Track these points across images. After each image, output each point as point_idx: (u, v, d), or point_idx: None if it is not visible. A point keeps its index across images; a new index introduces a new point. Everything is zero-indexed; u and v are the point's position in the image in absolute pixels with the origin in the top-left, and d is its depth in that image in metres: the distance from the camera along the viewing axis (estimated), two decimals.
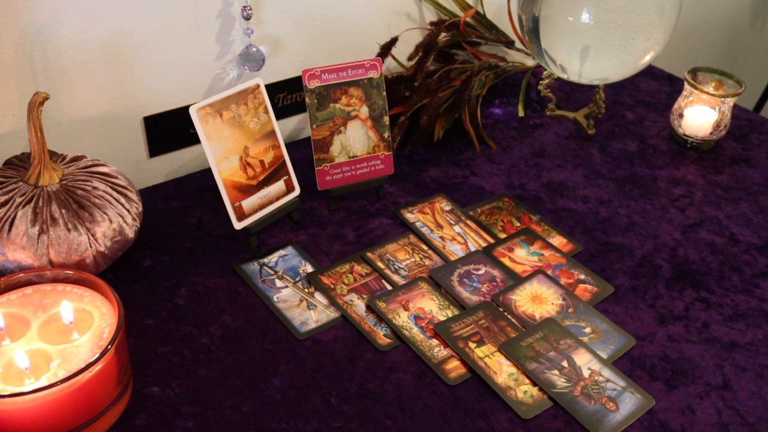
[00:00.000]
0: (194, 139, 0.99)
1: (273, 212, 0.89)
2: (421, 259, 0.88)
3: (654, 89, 1.28)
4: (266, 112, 0.88)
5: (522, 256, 0.90)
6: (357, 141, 0.94)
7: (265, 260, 0.86)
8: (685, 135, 1.12)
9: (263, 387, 0.72)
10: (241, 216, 0.85)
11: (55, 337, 0.65)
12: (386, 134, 0.96)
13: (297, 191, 0.92)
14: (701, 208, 1.00)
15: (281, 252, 0.88)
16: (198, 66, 0.95)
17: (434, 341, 0.77)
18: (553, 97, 1.19)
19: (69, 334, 0.66)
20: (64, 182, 0.78)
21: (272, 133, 0.89)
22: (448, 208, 0.97)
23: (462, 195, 1.00)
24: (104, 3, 0.85)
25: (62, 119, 0.89)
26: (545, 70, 1.15)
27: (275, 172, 0.89)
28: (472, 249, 0.90)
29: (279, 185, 0.90)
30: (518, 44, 1.19)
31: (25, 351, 0.64)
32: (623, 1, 0.97)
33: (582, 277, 0.87)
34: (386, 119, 0.95)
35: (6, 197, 0.75)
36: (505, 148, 1.10)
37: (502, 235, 0.93)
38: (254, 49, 0.96)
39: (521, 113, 1.18)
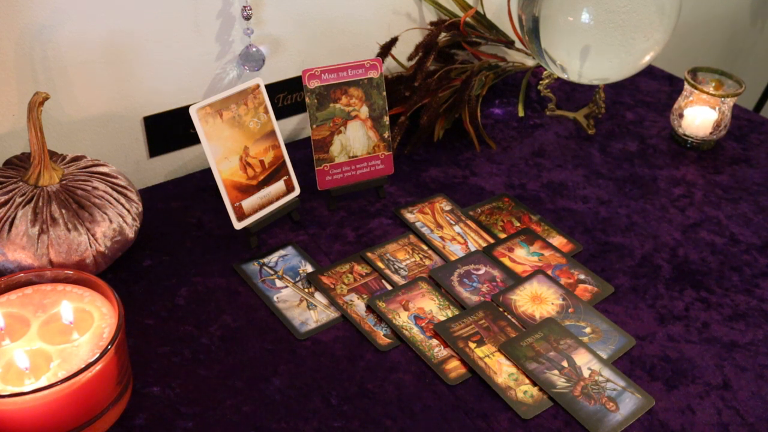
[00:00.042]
0: (194, 139, 0.99)
1: (273, 212, 0.89)
2: (421, 259, 0.88)
3: (654, 89, 1.28)
4: (266, 112, 0.88)
5: (522, 256, 0.90)
6: (357, 141, 0.94)
7: (265, 260, 0.86)
8: (685, 135, 1.12)
9: (263, 387, 0.72)
10: (241, 216, 0.85)
11: (55, 337, 0.65)
12: (386, 134, 0.96)
13: (297, 191, 0.92)
14: (701, 208, 1.00)
15: (281, 252, 0.88)
16: (198, 66, 0.95)
17: (434, 341, 0.77)
18: (553, 97, 1.19)
19: (69, 334, 0.66)
20: (64, 182, 0.78)
21: (272, 133, 0.89)
22: (448, 208, 0.97)
23: (462, 195, 1.00)
24: (104, 3, 0.85)
25: (62, 119, 0.89)
26: (545, 70, 1.15)
27: (275, 172, 0.89)
28: (472, 249, 0.90)
29: (279, 185, 0.90)
30: (518, 44, 1.19)
31: (25, 351, 0.64)
32: (623, 1, 0.97)
33: (582, 277, 0.87)
34: (386, 119, 0.95)
35: (6, 197, 0.75)
36: (505, 148, 1.10)
37: (502, 235, 0.93)
38: (254, 49, 0.96)
39: (521, 113, 1.18)
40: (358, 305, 0.81)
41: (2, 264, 0.75)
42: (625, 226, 0.96)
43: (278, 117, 1.06)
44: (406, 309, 0.81)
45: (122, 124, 0.94)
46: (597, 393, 0.73)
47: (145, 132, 0.96)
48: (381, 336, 0.78)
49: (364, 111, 0.94)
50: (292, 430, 0.68)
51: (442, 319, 0.80)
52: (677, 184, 1.04)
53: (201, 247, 0.88)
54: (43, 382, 0.62)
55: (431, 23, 1.12)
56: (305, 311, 0.80)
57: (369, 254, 0.88)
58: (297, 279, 0.84)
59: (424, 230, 0.92)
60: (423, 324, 0.79)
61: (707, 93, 1.08)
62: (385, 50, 1.05)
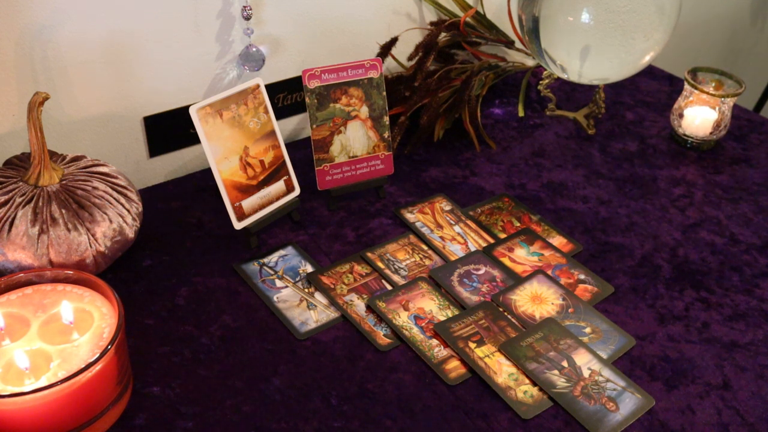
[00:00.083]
0: (194, 139, 0.99)
1: (273, 212, 0.89)
2: (421, 259, 0.88)
3: (654, 89, 1.28)
4: (266, 112, 0.88)
5: (522, 256, 0.90)
6: (357, 141, 0.94)
7: (265, 260, 0.86)
8: (685, 135, 1.12)
9: (263, 387, 0.72)
10: (241, 216, 0.85)
11: (55, 337, 0.65)
12: (386, 134, 0.96)
13: (297, 191, 0.92)
14: (701, 208, 1.00)
15: (281, 252, 0.88)
16: (198, 66, 0.95)
17: (434, 341, 0.77)
18: (553, 97, 1.19)
19: (69, 334, 0.66)
20: (64, 182, 0.78)
21: (272, 133, 0.89)
22: (448, 208, 0.97)
23: (462, 195, 1.00)
24: (104, 3, 0.85)
25: (62, 119, 0.89)
26: (545, 70, 1.15)
27: (275, 172, 0.89)
28: (472, 249, 0.90)
29: (279, 185, 0.90)
30: (518, 44, 1.19)
31: (25, 351, 0.64)
32: (623, 1, 0.97)
33: (582, 277, 0.87)
34: (386, 119, 0.95)
35: (6, 197, 0.75)
36: (505, 148, 1.10)
37: (502, 235, 0.93)
38: (254, 49, 0.96)
39: (521, 113, 1.18)
40: (358, 305, 0.81)
41: (2, 264, 0.75)
42: (625, 226, 0.96)
43: (278, 117, 1.06)
44: (406, 309, 0.81)
45: (122, 124, 0.94)
46: (597, 393, 0.73)
47: (145, 132, 0.96)
48: (381, 336, 0.78)
49: (364, 111, 0.94)
50: (292, 430, 0.68)
51: (442, 319, 0.80)
52: (677, 184, 1.04)
53: (201, 247, 0.88)
54: (43, 382, 0.62)
55: (431, 23, 1.12)
56: (305, 311, 0.80)
57: (369, 254, 0.88)
58: (297, 279, 0.84)
59: (424, 230, 0.92)
60: (423, 324, 0.79)
61: (707, 93, 1.08)
62: (385, 50, 1.05)
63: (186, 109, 0.91)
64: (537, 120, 1.18)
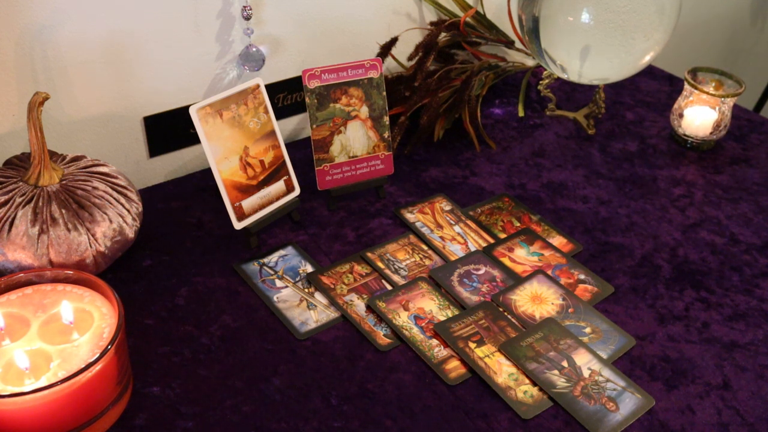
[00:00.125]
0: (194, 139, 0.99)
1: (273, 212, 0.89)
2: (421, 259, 0.88)
3: (654, 89, 1.28)
4: (266, 112, 0.88)
5: (522, 256, 0.90)
6: (357, 141, 0.94)
7: (265, 260, 0.86)
8: (685, 135, 1.12)
9: (263, 387, 0.72)
10: (241, 216, 0.85)
11: (55, 337, 0.65)
12: (386, 134, 0.96)
13: (297, 191, 0.92)
14: (701, 208, 1.00)
15: (281, 252, 0.88)
16: (198, 66, 0.95)
17: (434, 341, 0.77)
18: (553, 97, 1.19)
19: (69, 334, 0.66)
20: (64, 182, 0.78)
21: (272, 133, 0.89)
22: (448, 208, 0.97)
23: (462, 195, 1.00)
24: (104, 3, 0.85)
25: (62, 119, 0.89)
26: (545, 70, 1.15)
27: (275, 172, 0.89)
28: (472, 249, 0.90)
29: (279, 185, 0.90)
30: (518, 44, 1.19)
31: (25, 351, 0.64)
32: (623, 1, 0.97)
33: (582, 277, 0.87)
34: (386, 119, 0.95)
35: (6, 197, 0.75)
36: (505, 148, 1.10)
37: (502, 235, 0.93)
38: (254, 49, 0.96)
39: (521, 113, 1.18)
40: (358, 305, 0.81)
41: (2, 264, 0.75)
42: (625, 226, 0.96)
43: (278, 117, 1.06)
44: (406, 309, 0.81)
45: (122, 124, 0.94)
46: (597, 393, 0.73)
47: (145, 132, 0.96)
48: (381, 336, 0.78)
49: (364, 111, 0.94)
50: (292, 430, 0.68)
51: (442, 319, 0.80)
52: (677, 184, 1.04)
53: (201, 247, 0.88)
54: (43, 382, 0.62)
55: (431, 23, 1.12)
56: (305, 311, 0.80)
57: (369, 254, 0.88)
58: (297, 279, 0.84)
59: (424, 230, 0.92)
60: (423, 324, 0.79)
61: (707, 93, 1.08)
62: (385, 50, 1.05)
63: (186, 109, 0.91)
64: (537, 120, 1.18)
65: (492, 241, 0.92)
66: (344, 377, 0.73)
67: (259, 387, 0.72)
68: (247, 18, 0.93)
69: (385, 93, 0.94)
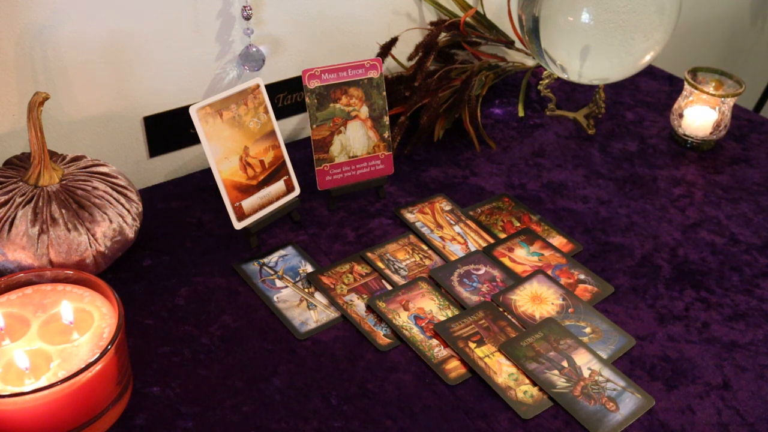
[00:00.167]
0: (194, 139, 0.99)
1: (273, 212, 0.89)
2: (421, 259, 0.88)
3: (654, 89, 1.28)
4: (266, 112, 0.88)
5: (522, 256, 0.90)
6: (357, 141, 0.94)
7: (265, 260, 0.86)
8: (685, 135, 1.12)
9: (263, 387, 0.72)
10: (241, 216, 0.85)
11: (55, 337, 0.65)
12: (386, 134, 0.96)
13: (297, 191, 0.92)
14: (701, 208, 1.00)
15: (281, 252, 0.88)
16: (198, 66, 0.95)
17: (434, 341, 0.77)
18: (553, 97, 1.19)
19: (69, 334, 0.66)
20: (64, 182, 0.78)
21: (272, 133, 0.89)
22: (448, 208, 0.97)
23: (462, 195, 1.00)
24: (104, 3, 0.85)
25: (62, 119, 0.89)
26: (545, 70, 1.15)
27: (275, 172, 0.89)
28: (472, 249, 0.90)
29: (279, 185, 0.90)
30: (518, 44, 1.19)
31: (25, 351, 0.64)
32: (623, 1, 0.97)
33: (582, 277, 0.87)
34: (386, 119, 0.95)
35: (6, 197, 0.75)
36: (505, 148, 1.10)
37: (502, 235, 0.93)
38: (254, 49, 0.96)
39: (521, 113, 1.18)
40: (358, 305, 0.81)
41: (2, 264, 0.75)
42: (625, 226, 0.96)
43: (278, 117, 1.06)
44: (406, 309, 0.81)
45: (122, 124, 0.94)
46: (597, 393, 0.73)
47: (145, 132, 0.96)
48: (381, 336, 0.78)
49: (364, 111, 0.94)
50: (292, 430, 0.68)
51: (442, 319, 0.80)
52: (677, 184, 1.04)
53: (201, 247, 0.88)
54: (43, 382, 0.62)
55: (431, 23, 1.12)
56: (305, 311, 0.80)
57: (369, 254, 0.88)
58: (297, 279, 0.84)
59: (424, 230, 0.92)
60: (423, 324, 0.79)
61: (707, 93, 1.08)
62: (385, 50, 1.05)
63: (186, 109, 0.91)
64: (537, 120, 1.18)
65: (492, 241, 0.92)
66: (344, 377, 0.73)
67: (259, 387, 0.72)
68: (247, 18, 0.93)
69: (385, 93, 0.94)
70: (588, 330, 0.80)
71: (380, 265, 0.87)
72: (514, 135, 1.13)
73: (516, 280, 0.86)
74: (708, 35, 1.73)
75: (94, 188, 0.79)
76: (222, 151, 0.84)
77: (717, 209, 1.00)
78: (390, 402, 0.71)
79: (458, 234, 0.92)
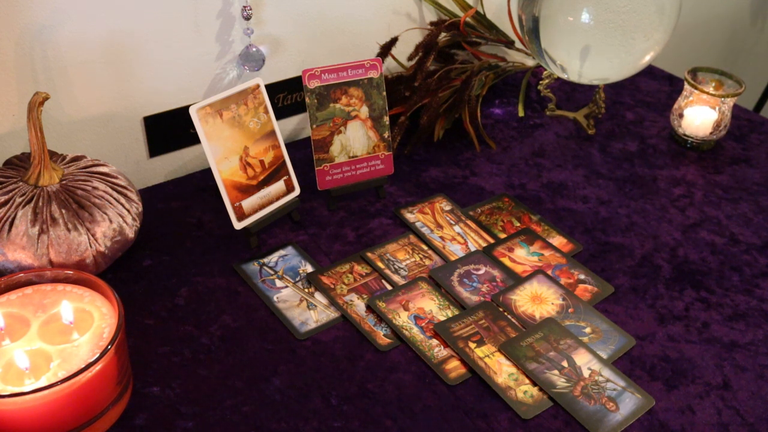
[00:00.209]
0: (194, 139, 0.99)
1: (273, 212, 0.89)
2: (421, 259, 0.88)
3: (654, 89, 1.28)
4: (266, 112, 0.88)
5: (522, 256, 0.90)
6: (357, 141, 0.94)
7: (265, 260, 0.86)
8: (685, 135, 1.12)
9: (263, 387, 0.72)
10: (241, 216, 0.85)
11: (55, 337, 0.65)
12: (386, 134, 0.96)
13: (297, 191, 0.92)
14: (701, 208, 1.00)
15: (281, 252, 0.88)
16: (198, 66, 0.95)
17: (434, 341, 0.77)
18: (553, 97, 1.19)
19: (69, 334, 0.66)
20: (64, 182, 0.78)
21: (272, 133, 0.89)
22: (448, 208, 0.97)
23: (462, 195, 1.00)
24: (104, 3, 0.85)
25: (62, 119, 0.89)
26: (545, 70, 1.15)
27: (275, 172, 0.89)
28: (472, 249, 0.90)
29: (279, 185, 0.90)
30: (518, 44, 1.19)
31: (25, 351, 0.64)
32: (623, 1, 0.97)
33: (582, 277, 0.87)
34: (386, 119, 0.95)
35: (6, 197, 0.75)
36: (505, 148, 1.10)
37: (502, 235, 0.93)
38: (254, 49, 0.96)
39: (521, 113, 1.18)
40: (358, 305, 0.81)
41: (2, 264, 0.75)
42: (625, 226, 0.96)
43: (278, 117, 1.06)
44: (406, 309, 0.81)
45: (122, 124, 0.94)
46: (597, 393, 0.73)
47: (145, 132, 0.96)
48: (381, 336, 0.78)
49: (364, 111, 0.94)
50: (292, 430, 0.68)
51: (442, 319, 0.80)
52: (677, 184, 1.04)
53: (201, 247, 0.88)
54: (43, 382, 0.62)
55: (431, 23, 1.12)
56: (305, 311, 0.80)
57: (369, 254, 0.88)
58: (297, 279, 0.84)
59: (424, 230, 0.92)
60: (423, 324, 0.79)
61: (707, 93, 1.08)
62: (385, 50, 1.05)
63: (186, 109, 0.91)
64: (537, 120, 1.18)
65: (492, 241, 0.92)
66: (344, 377, 0.73)
67: (259, 387, 0.72)
68: (247, 18, 0.93)
69: (385, 93, 0.94)
70: (588, 330, 0.80)
71: (380, 265, 0.87)
72: (514, 135, 1.13)
73: (516, 280, 0.86)
74: (708, 35, 1.73)
75: (94, 188, 0.79)
76: (222, 151, 0.84)
77: (717, 209, 1.00)
78: (390, 402, 0.71)
79: (458, 234, 0.92)
